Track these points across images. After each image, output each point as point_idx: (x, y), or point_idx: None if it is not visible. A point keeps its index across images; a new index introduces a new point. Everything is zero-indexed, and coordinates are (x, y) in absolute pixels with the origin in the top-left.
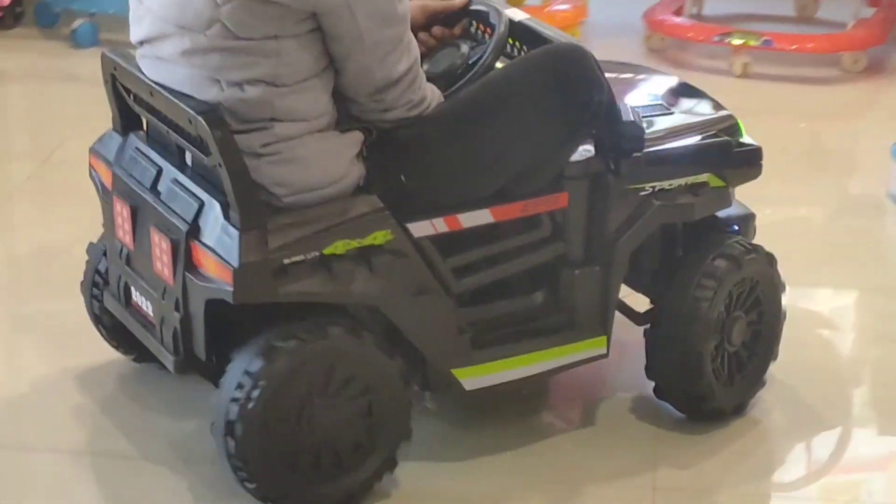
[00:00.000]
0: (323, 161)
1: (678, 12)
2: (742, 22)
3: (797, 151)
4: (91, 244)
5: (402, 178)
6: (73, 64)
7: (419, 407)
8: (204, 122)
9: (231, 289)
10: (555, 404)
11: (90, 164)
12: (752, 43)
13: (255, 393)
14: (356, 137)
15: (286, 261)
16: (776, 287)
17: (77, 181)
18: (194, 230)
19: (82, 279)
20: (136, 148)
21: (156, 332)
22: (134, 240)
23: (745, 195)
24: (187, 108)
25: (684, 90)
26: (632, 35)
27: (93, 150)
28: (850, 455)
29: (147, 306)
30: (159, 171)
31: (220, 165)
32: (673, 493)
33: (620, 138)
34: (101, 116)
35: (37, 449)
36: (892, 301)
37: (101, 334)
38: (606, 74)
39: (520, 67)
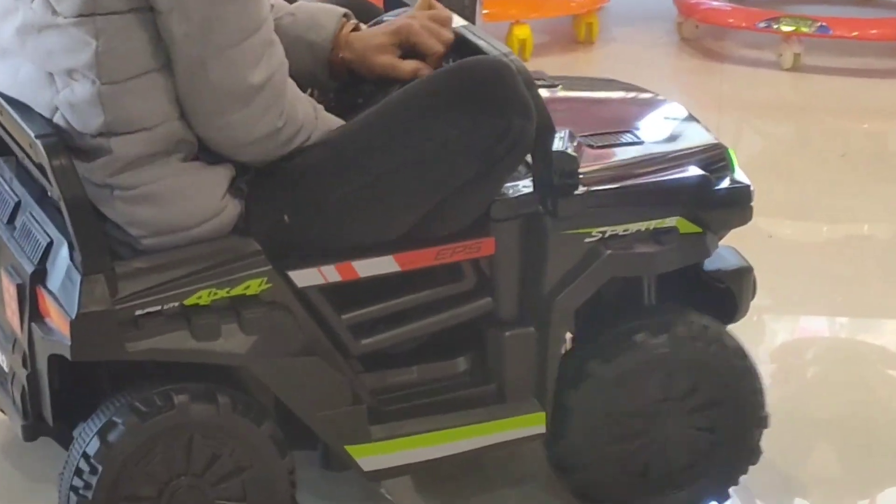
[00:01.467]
0: (186, 198)
1: None
2: (792, 5)
3: (859, 157)
4: None
5: (285, 217)
6: None
7: None
8: (42, 149)
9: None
10: None
11: None
12: (805, 29)
13: (95, 480)
14: (227, 169)
15: (138, 312)
16: (732, 374)
17: None
18: (40, 273)
19: None
20: (2, 176)
21: (8, 391)
22: None
23: (797, 208)
24: (28, 131)
25: (669, 115)
26: (661, 22)
27: None
28: None
29: (3, 361)
30: (17, 204)
31: (59, 199)
32: None
33: (550, 172)
34: None
35: None
36: None
37: None
38: (570, 94)
39: (424, 87)
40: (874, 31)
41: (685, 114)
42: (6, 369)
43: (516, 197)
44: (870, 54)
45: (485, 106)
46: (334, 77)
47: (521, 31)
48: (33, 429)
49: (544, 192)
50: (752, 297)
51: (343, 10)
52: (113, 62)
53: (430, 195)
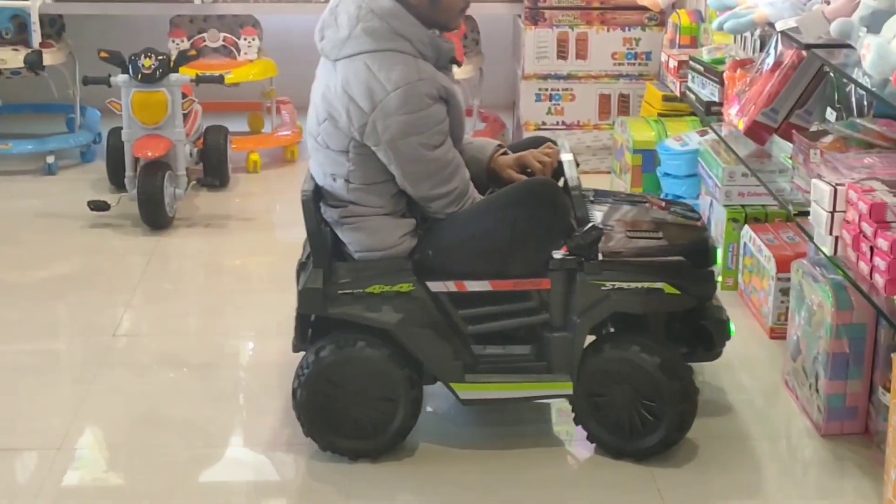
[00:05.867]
0: (381, 234)
1: None
2: None
3: None
4: None
5: (430, 252)
6: None
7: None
8: (301, 198)
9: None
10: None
11: None
12: None
13: (307, 372)
14: (410, 222)
15: (339, 291)
16: (655, 379)
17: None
18: (304, 264)
19: None
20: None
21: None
22: None
23: None
24: (302, 190)
25: (678, 214)
26: None
27: None
28: None
29: None
30: None
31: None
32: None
33: (580, 244)
34: None
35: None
36: None
37: None
38: (610, 201)
39: (513, 189)
40: None
41: (697, 218)
42: None
43: (563, 258)
44: None
45: (538, 205)
46: (487, 177)
47: (254, 156)
48: (296, 346)
49: (578, 258)
50: (727, 338)
51: (496, 142)
52: (358, 174)
53: (507, 252)
